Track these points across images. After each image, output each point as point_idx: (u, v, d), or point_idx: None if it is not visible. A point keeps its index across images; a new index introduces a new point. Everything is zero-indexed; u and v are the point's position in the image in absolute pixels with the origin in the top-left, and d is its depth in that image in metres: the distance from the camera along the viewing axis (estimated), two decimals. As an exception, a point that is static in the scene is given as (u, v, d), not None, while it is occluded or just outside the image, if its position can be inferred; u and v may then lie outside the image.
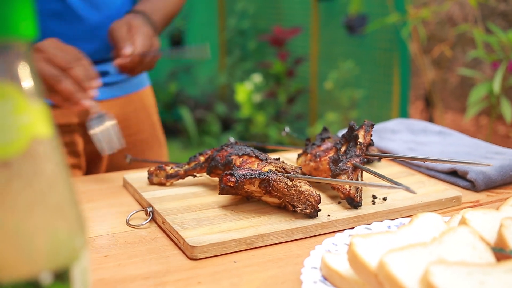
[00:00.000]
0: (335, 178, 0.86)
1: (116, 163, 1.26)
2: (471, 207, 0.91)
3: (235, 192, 0.84)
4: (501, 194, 0.96)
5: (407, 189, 0.72)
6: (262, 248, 0.75)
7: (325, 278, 0.62)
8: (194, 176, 0.97)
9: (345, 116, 3.78)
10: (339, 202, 0.87)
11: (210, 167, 0.92)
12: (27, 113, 0.38)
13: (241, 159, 0.89)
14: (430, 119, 3.34)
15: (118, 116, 1.26)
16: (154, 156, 1.35)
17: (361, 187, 0.86)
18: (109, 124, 1.03)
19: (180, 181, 0.97)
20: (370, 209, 0.84)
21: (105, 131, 1.02)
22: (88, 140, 1.22)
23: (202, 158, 0.96)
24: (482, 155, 1.06)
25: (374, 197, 0.88)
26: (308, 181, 0.82)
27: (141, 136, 1.34)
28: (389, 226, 0.76)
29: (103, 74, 1.23)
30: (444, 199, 0.89)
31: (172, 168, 0.96)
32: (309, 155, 0.96)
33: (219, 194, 0.84)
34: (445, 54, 3.25)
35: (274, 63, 4.11)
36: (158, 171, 0.96)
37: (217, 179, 0.95)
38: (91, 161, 1.26)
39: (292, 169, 0.84)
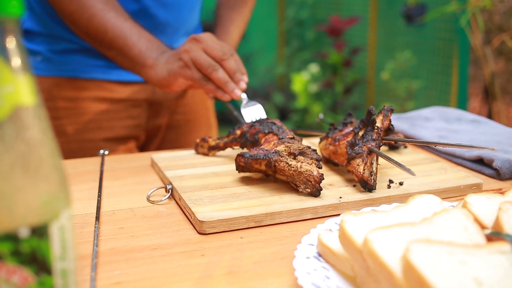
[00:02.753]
0: (350, 161, 0.87)
1: (168, 141, 1.40)
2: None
3: (248, 170, 0.88)
4: (527, 183, 0.94)
5: (408, 170, 0.72)
6: (271, 226, 0.77)
7: (319, 255, 0.64)
8: (233, 148, 1.03)
9: (402, 107, 3.72)
10: (354, 185, 0.87)
11: (242, 144, 0.99)
12: (12, 83, 0.41)
13: (266, 136, 0.93)
14: (489, 112, 3.24)
15: (179, 96, 1.40)
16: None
17: (376, 171, 0.86)
18: (258, 108, 1.11)
19: (206, 161, 1.01)
20: (384, 193, 0.84)
21: (252, 113, 1.10)
22: (151, 115, 1.35)
23: (238, 132, 1.01)
24: (512, 144, 1.03)
25: (390, 181, 0.88)
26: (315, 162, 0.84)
27: (193, 116, 1.43)
28: (397, 209, 0.76)
29: None
30: (463, 185, 0.88)
31: (214, 140, 1.04)
32: (329, 139, 0.97)
33: (237, 172, 0.90)
34: (507, 45, 3.13)
35: (330, 53, 4.08)
36: (202, 142, 1.04)
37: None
38: (149, 136, 1.39)
39: (298, 149, 0.86)
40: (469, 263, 0.52)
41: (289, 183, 0.85)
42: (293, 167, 0.83)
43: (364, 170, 0.85)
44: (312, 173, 0.82)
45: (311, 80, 4.23)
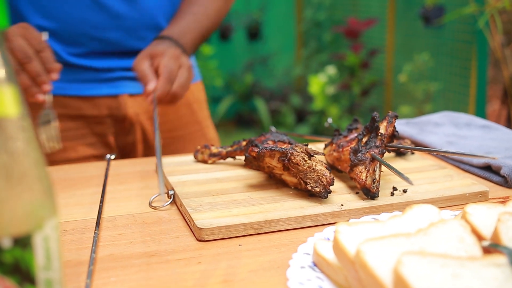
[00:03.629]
0: (353, 168, 0.86)
1: (151, 155, 1.27)
2: (499, 203, 0.87)
3: (257, 165, 0.88)
4: (536, 191, 0.92)
5: (406, 179, 0.71)
6: (270, 234, 0.77)
7: (315, 265, 0.63)
8: (234, 158, 1.02)
9: (420, 110, 3.68)
10: (357, 193, 0.86)
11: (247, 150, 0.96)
12: (-5, 94, 0.42)
13: (276, 143, 0.92)
14: (509, 115, 3.19)
15: (144, 109, 1.27)
16: None
17: (379, 179, 0.85)
18: (54, 123, 1.03)
19: (210, 166, 1.01)
20: (386, 200, 0.83)
21: (48, 129, 1.03)
22: (118, 132, 1.25)
23: (244, 143, 1.00)
24: (522, 151, 1.01)
25: (394, 188, 0.87)
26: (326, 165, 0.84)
27: (182, 132, 1.33)
28: (398, 218, 0.75)
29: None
30: (469, 193, 0.87)
31: (216, 148, 1.03)
32: (334, 145, 0.97)
33: (244, 166, 0.90)
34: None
35: (348, 55, 4.06)
36: (204, 149, 1.03)
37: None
38: (123, 154, 1.29)
39: (314, 151, 0.85)
40: (462, 276, 0.51)
41: (298, 182, 0.84)
42: (308, 163, 0.83)
43: (366, 177, 0.84)
44: (325, 174, 0.82)
45: (328, 82, 4.21)
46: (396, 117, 0.93)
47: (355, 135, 0.96)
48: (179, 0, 1.29)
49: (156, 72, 1.07)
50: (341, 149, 0.93)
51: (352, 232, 0.59)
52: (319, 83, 4.20)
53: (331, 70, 4.24)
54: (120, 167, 1.05)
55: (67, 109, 1.21)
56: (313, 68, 4.71)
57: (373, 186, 0.84)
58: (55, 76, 0.99)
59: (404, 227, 0.61)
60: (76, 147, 1.22)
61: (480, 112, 3.29)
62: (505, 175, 0.93)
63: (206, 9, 1.23)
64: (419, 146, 1.15)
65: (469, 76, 3.34)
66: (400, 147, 0.89)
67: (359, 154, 0.87)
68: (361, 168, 0.85)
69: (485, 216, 0.64)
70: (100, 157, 1.23)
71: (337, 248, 0.58)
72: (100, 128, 1.25)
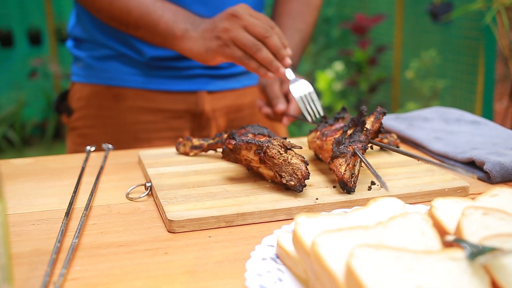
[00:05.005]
0: (333, 159, 0.85)
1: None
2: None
3: (235, 158, 0.88)
4: (518, 187, 0.91)
5: (383, 184, 0.71)
6: (242, 226, 0.77)
7: (277, 257, 0.63)
8: (216, 150, 1.02)
9: (426, 107, 3.65)
10: (334, 187, 0.86)
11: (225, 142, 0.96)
12: None
13: (255, 136, 0.92)
14: (516, 113, 3.15)
15: (231, 108, 1.34)
16: None
17: (357, 174, 0.84)
18: (305, 84, 1.08)
19: (191, 158, 1.00)
20: (363, 195, 0.83)
21: (300, 89, 1.08)
22: (196, 128, 1.30)
23: (225, 135, 1.00)
24: (508, 147, 1.00)
25: (372, 183, 0.87)
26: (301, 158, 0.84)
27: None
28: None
29: (217, 67, 1.28)
30: (448, 188, 0.86)
31: (198, 140, 1.02)
32: (318, 132, 0.96)
33: (222, 158, 0.90)
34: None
35: (355, 51, 4.04)
36: (185, 141, 1.02)
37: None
38: None
39: (291, 145, 0.85)
40: (416, 270, 0.50)
41: (274, 175, 0.83)
42: (284, 156, 0.82)
43: (345, 171, 0.83)
44: (301, 167, 0.81)
45: (335, 78, 4.19)
46: (384, 114, 0.93)
47: (341, 125, 0.95)
48: (262, 5, 1.33)
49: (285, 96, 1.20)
50: (324, 138, 0.92)
51: (312, 225, 0.59)
52: (327, 79, 4.19)
53: (338, 66, 4.22)
54: (108, 158, 1.05)
55: (148, 102, 1.27)
56: (321, 64, 4.68)
57: (351, 180, 0.83)
58: (290, 51, 1.03)
59: (366, 220, 0.61)
60: (152, 140, 1.27)
61: (487, 110, 3.26)
62: (487, 170, 0.92)
63: (307, 24, 1.28)
64: (407, 141, 1.14)
65: (476, 73, 3.31)
66: (382, 145, 0.88)
67: (342, 146, 0.86)
68: (341, 160, 0.84)
69: (452, 210, 0.63)
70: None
71: (296, 240, 0.58)
72: (177, 123, 1.29)
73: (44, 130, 4.48)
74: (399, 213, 0.62)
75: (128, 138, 1.26)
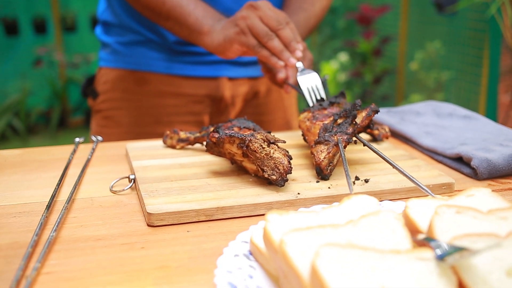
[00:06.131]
0: (316, 144, 0.87)
1: None
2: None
3: (218, 151, 0.88)
4: (505, 184, 0.90)
5: (349, 185, 0.71)
6: (222, 221, 0.77)
7: (250, 253, 0.63)
8: (202, 143, 1.02)
9: (431, 99, 3.63)
10: (317, 181, 0.85)
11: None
12: None
13: (240, 130, 0.92)
14: (520, 105, 3.12)
15: (249, 94, 1.38)
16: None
17: (335, 163, 0.86)
18: (313, 76, 1.09)
19: (177, 152, 1.00)
20: (345, 190, 0.82)
21: (308, 81, 1.09)
22: (214, 112, 1.35)
23: (212, 129, 0.99)
24: (498, 142, 0.99)
25: (356, 178, 0.86)
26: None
27: (267, 118, 1.41)
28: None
29: None
30: (433, 185, 0.85)
31: (185, 133, 1.02)
32: (310, 113, 0.96)
33: (206, 151, 0.90)
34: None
35: (360, 42, 4.01)
36: (172, 134, 1.03)
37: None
38: None
39: (274, 139, 0.85)
40: (381, 270, 0.50)
41: (257, 169, 0.83)
42: (266, 151, 0.82)
43: (324, 158, 0.85)
44: (283, 161, 0.81)
45: (340, 69, 4.17)
46: (377, 112, 0.92)
47: (335, 110, 0.96)
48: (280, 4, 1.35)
49: None
50: (314, 121, 0.93)
51: (283, 222, 0.59)
52: (331, 70, 4.17)
53: (343, 57, 4.20)
54: (96, 150, 1.05)
55: (171, 86, 1.31)
56: (326, 55, 4.66)
57: (327, 168, 0.85)
58: (302, 45, 1.06)
59: (338, 218, 0.60)
60: (172, 123, 1.31)
61: (492, 102, 3.23)
62: (474, 166, 0.91)
63: (314, 7, 1.30)
64: (398, 136, 1.13)
65: (481, 65, 3.28)
66: (364, 142, 0.88)
67: (327, 134, 0.87)
68: (323, 147, 0.86)
69: (425, 210, 0.63)
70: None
71: (266, 237, 0.58)
72: (198, 107, 1.33)
73: (49, 119, 4.49)
74: (372, 211, 0.61)
75: (150, 121, 1.32)
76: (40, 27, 4.51)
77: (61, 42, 4.56)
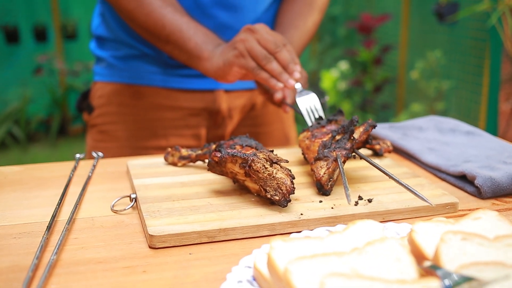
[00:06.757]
0: (316, 161, 0.88)
1: None
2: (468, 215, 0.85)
3: (220, 170, 0.87)
4: (509, 203, 0.89)
5: (347, 196, 0.72)
6: (225, 242, 0.76)
7: (254, 279, 0.62)
8: (204, 161, 1.01)
9: (431, 108, 3.62)
10: (320, 201, 0.85)
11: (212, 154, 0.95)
12: None
13: (243, 148, 0.91)
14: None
15: (246, 107, 1.38)
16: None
17: (336, 179, 0.87)
18: (312, 97, 1.09)
19: (179, 169, 0.99)
20: (348, 210, 0.81)
21: (307, 102, 1.09)
22: (212, 125, 1.35)
23: (213, 146, 0.99)
24: (501, 160, 0.98)
25: (359, 198, 0.86)
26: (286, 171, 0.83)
27: (264, 129, 1.41)
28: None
29: None
30: (436, 204, 0.84)
31: (186, 151, 1.01)
32: (309, 132, 0.97)
33: (208, 170, 0.89)
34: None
35: (360, 50, 4.01)
36: (174, 151, 1.02)
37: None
38: None
39: (276, 158, 0.84)
40: (386, 300, 0.49)
41: (259, 189, 0.83)
42: (269, 171, 0.81)
43: (324, 173, 0.86)
44: (286, 182, 0.81)
45: (340, 78, 4.17)
46: (374, 127, 0.93)
47: (333, 127, 0.96)
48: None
49: None
50: (313, 139, 0.94)
51: (287, 249, 0.58)
52: (331, 79, 4.17)
53: (343, 65, 4.20)
54: (91, 167, 1.04)
55: (167, 100, 1.31)
56: (327, 63, 4.66)
57: (328, 183, 0.85)
58: (299, 67, 1.07)
59: (342, 245, 0.60)
60: (169, 136, 1.31)
61: (492, 111, 3.23)
62: (478, 185, 0.90)
63: (306, 23, 1.30)
64: (400, 152, 1.12)
65: (482, 74, 3.28)
66: (365, 158, 0.88)
67: (326, 150, 0.88)
68: (322, 163, 0.87)
69: (431, 234, 0.62)
70: (189, 148, 1.30)
71: (270, 265, 0.57)
72: (194, 120, 1.33)
73: (49, 127, 4.49)
74: (377, 237, 0.60)
75: (147, 135, 1.31)
76: (40, 35, 4.51)
77: (61, 50, 4.56)
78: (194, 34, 1.11)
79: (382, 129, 1.19)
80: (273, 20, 1.34)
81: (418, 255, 0.60)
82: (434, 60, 3.55)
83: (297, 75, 1.05)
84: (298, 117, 1.55)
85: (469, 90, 3.41)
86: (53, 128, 4.43)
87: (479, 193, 0.91)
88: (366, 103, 4.11)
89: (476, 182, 0.91)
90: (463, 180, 0.95)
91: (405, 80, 4.02)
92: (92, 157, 1.10)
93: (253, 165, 0.81)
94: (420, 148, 1.08)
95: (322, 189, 0.86)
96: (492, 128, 3.17)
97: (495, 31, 3.03)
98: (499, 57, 3.19)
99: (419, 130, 1.18)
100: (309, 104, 1.08)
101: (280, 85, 1.04)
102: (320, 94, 4.22)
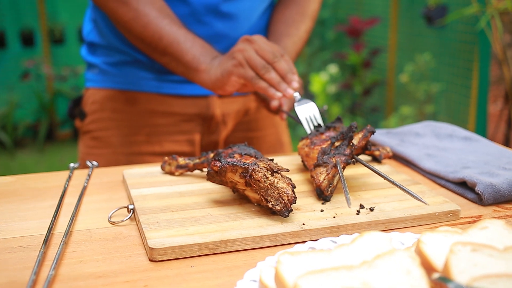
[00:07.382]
0: (315, 167, 0.88)
1: None
2: (470, 222, 0.84)
3: (220, 180, 0.86)
4: (510, 210, 0.89)
5: (347, 200, 0.71)
6: (226, 254, 0.74)
7: (260, 293, 0.61)
8: (202, 170, 0.99)
9: (421, 111, 3.63)
10: (322, 211, 0.84)
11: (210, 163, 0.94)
12: None
13: (242, 157, 0.90)
14: (510, 116, 3.14)
15: (240, 112, 1.38)
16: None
17: (335, 184, 0.86)
18: (311, 106, 1.10)
19: (176, 178, 0.98)
20: (350, 219, 0.80)
21: (306, 111, 1.09)
22: (205, 131, 1.34)
23: (211, 155, 0.98)
24: (500, 166, 0.98)
25: (361, 206, 0.85)
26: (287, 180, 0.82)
27: (258, 134, 1.41)
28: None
29: None
30: (438, 212, 0.83)
31: (183, 159, 1.00)
32: (308, 140, 0.97)
33: (207, 179, 0.88)
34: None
35: (350, 54, 4.02)
36: (171, 160, 1.00)
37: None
38: (206, 151, 1.35)
39: (277, 167, 0.83)
40: (400, 316, 0.48)
41: (260, 199, 0.81)
42: (270, 180, 0.80)
43: (324, 179, 0.85)
44: (287, 191, 0.79)
45: (329, 81, 4.17)
46: (373, 132, 0.94)
47: (332, 134, 0.96)
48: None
49: None
50: (313, 147, 0.94)
51: (295, 263, 0.57)
52: (321, 82, 4.17)
53: (333, 69, 4.20)
54: (86, 177, 1.02)
55: (161, 105, 1.30)
56: (316, 67, 4.66)
57: (327, 189, 0.85)
58: (297, 76, 1.08)
59: (351, 258, 0.59)
60: (163, 142, 1.30)
61: (481, 113, 3.24)
62: (479, 192, 0.89)
63: (299, 30, 1.30)
64: (398, 158, 1.12)
65: (471, 77, 3.29)
66: (363, 163, 0.88)
67: (325, 157, 0.88)
68: (322, 169, 0.87)
69: (440, 245, 0.61)
70: (183, 154, 1.31)
71: (278, 280, 0.56)
72: (188, 126, 1.32)
73: (36, 132, 4.44)
74: (386, 250, 0.60)
75: (140, 141, 1.30)
76: (27, 40, 4.47)
77: (49, 54, 4.52)
78: (191, 47, 1.10)
79: (379, 136, 1.19)
80: (266, 28, 1.34)
81: (427, 267, 0.59)
82: (423, 63, 3.56)
83: (295, 84, 1.06)
84: (292, 122, 1.54)
85: (458, 92, 3.42)
86: (41, 134, 4.39)
87: (480, 200, 0.90)
88: (355, 106, 4.12)
89: (477, 188, 0.90)
90: (463, 187, 0.95)
91: (394, 83, 4.03)
92: (85, 165, 1.08)
93: (254, 174, 0.80)
94: (418, 154, 1.08)
95: (322, 195, 0.86)
96: (481, 130, 3.19)
97: (483, 34, 3.04)
98: (488, 60, 3.20)
99: (416, 136, 1.18)
100: (308, 113, 1.07)
101: (279, 94, 1.04)
102: (309, 97, 4.23)
